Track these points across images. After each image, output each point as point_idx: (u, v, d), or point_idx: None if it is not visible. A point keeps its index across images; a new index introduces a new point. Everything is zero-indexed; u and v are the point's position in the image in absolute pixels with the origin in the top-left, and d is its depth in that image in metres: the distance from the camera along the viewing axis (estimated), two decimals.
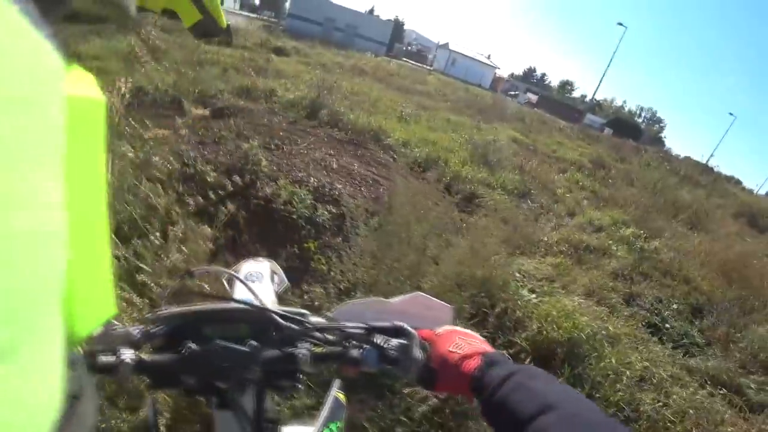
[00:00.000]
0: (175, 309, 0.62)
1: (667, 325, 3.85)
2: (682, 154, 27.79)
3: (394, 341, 0.59)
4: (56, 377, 0.17)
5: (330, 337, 0.64)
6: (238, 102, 5.41)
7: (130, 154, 2.28)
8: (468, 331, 0.64)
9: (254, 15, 38.33)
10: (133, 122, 3.20)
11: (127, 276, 1.36)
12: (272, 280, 1.02)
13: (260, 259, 1.10)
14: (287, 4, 34.04)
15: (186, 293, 1.37)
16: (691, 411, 2.66)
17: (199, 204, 2.03)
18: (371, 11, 47.83)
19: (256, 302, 0.72)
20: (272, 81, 7.42)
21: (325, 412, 0.68)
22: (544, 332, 2.58)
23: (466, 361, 0.55)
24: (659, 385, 2.84)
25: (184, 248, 1.50)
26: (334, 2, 32.74)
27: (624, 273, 4.46)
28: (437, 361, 0.58)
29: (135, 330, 0.59)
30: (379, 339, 0.60)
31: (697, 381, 3.17)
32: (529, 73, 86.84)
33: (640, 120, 67.49)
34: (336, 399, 0.72)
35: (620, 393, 2.47)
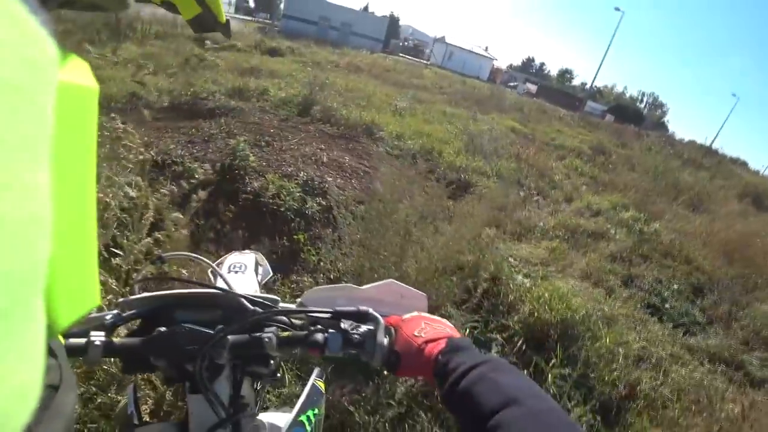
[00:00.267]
0: (147, 294, 0.63)
1: (667, 305, 3.81)
2: (686, 138, 27.51)
3: (363, 327, 0.60)
4: (35, 366, 0.16)
5: (297, 322, 0.65)
6: (229, 102, 5.42)
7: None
8: (435, 317, 0.64)
9: (249, 17, 38.39)
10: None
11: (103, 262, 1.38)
12: (256, 271, 1.02)
13: (246, 251, 1.11)
14: (282, 5, 34.02)
15: (162, 279, 1.39)
16: (690, 389, 2.64)
17: (182, 196, 2.04)
18: (366, 8, 47.63)
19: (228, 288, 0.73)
20: (266, 81, 7.44)
21: (303, 398, 0.68)
22: (536, 314, 2.57)
23: (430, 345, 0.55)
24: (658, 364, 2.82)
25: (159, 236, 1.51)
26: (329, 1, 32.70)
27: (623, 255, 4.42)
28: (401, 345, 0.58)
29: (107, 314, 0.61)
30: (345, 324, 0.61)
31: (697, 359, 3.14)
32: (528, 63, 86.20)
33: (641, 105, 66.79)
34: (315, 386, 0.72)
35: (616, 372, 2.45)
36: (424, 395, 1.92)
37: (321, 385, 0.77)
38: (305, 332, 0.61)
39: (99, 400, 1.44)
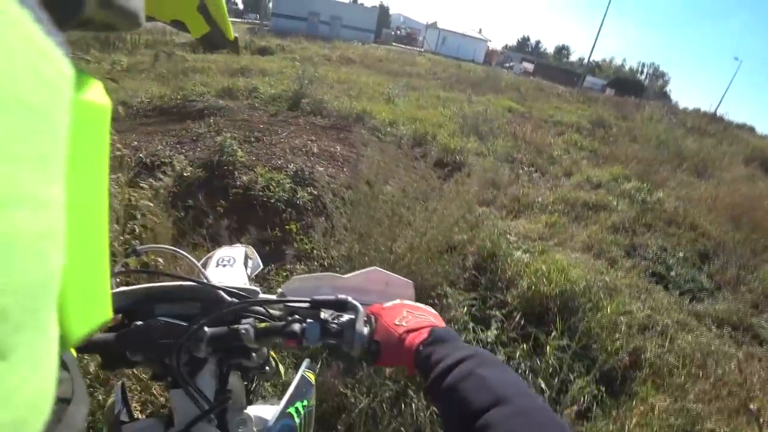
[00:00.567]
0: (124, 288, 0.62)
1: (673, 273, 3.75)
2: (691, 107, 26.95)
3: (343, 317, 0.58)
4: (48, 379, 0.17)
5: (277, 312, 0.64)
6: (218, 102, 5.39)
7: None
8: (419, 304, 0.62)
9: (239, 19, 38.23)
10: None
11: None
12: (246, 264, 1.01)
13: (236, 245, 1.10)
14: (270, 5, 33.78)
15: (138, 272, 1.37)
16: (697, 354, 2.60)
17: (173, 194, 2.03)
18: (355, 0, 47.14)
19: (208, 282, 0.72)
20: (255, 79, 7.40)
21: (291, 390, 0.67)
22: (533, 287, 2.53)
23: (411, 335, 0.53)
24: (663, 331, 2.77)
25: (135, 227, 1.50)
26: None
27: (625, 226, 4.35)
28: (381, 334, 0.56)
29: None
30: (325, 314, 0.59)
31: (705, 325, 3.09)
32: (524, 42, 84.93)
33: (642, 77, 65.62)
34: (304, 378, 0.71)
35: (619, 342, 2.41)
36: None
37: (311, 376, 0.75)
38: (283, 323, 0.59)
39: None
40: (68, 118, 0.17)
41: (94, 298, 0.25)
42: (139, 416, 1.48)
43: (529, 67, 42.34)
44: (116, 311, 0.61)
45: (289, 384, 0.67)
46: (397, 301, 0.62)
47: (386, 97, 8.09)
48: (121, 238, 1.42)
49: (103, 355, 0.60)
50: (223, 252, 1.02)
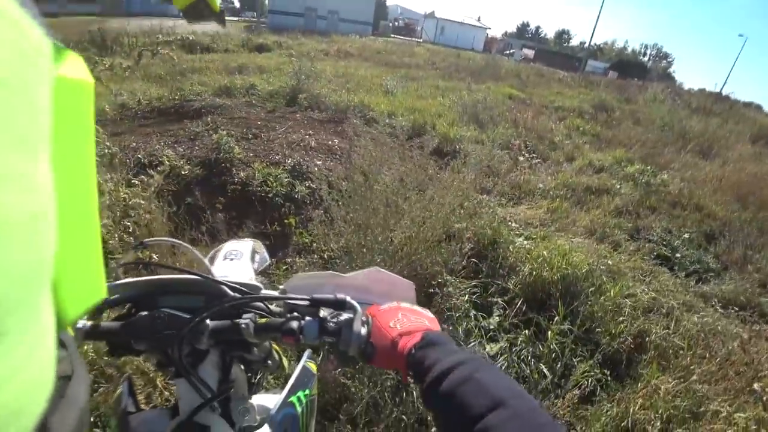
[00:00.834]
0: (131, 279, 0.64)
1: (678, 255, 3.70)
2: (696, 87, 26.55)
3: (342, 316, 0.59)
4: (47, 357, 0.17)
5: (277, 308, 0.65)
6: (215, 101, 5.38)
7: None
8: (416, 307, 0.62)
9: (236, 18, 38.09)
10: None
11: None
12: (253, 258, 1.01)
13: (245, 239, 1.11)
14: (267, 2, 33.60)
15: (145, 264, 1.39)
16: (702, 335, 2.57)
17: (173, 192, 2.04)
18: None
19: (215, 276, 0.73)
20: (252, 77, 7.38)
21: (293, 380, 0.68)
22: (534, 273, 2.51)
23: (404, 338, 0.54)
24: (668, 313, 2.74)
25: (128, 224, 1.51)
26: None
27: (629, 209, 4.30)
28: (375, 336, 0.57)
29: None
30: (324, 312, 0.61)
31: (711, 306, 3.05)
32: (523, 28, 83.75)
33: (645, 59, 64.56)
34: (306, 368, 0.72)
35: (623, 325, 2.40)
36: None
37: (312, 366, 0.76)
38: (282, 319, 0.60)
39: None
40: (49, 95, 0.17)
41: (87, 278, 0.25)
42: (145, 408, 1.51)
43: (530, 53, 41.84)
44: (122, 301, 0.64)
45: (291, 376, 0.68)
46: (394, 304, 0.62)
47: (384, 89, 8.04)
48: (116, 235, 1.43)
49: (109, 342, 0.62)
50: (231, 246, 1.02)
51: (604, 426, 1.81)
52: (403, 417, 1.66)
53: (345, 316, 0.59)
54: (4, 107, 0.14)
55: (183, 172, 2.94)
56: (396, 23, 49.28)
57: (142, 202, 1.60)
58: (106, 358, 1.38)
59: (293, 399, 0.68)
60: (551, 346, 2.06)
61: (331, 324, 0.58)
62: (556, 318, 2.22)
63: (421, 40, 37.51)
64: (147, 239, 0.75)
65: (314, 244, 2.58)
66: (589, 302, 2.47)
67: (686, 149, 7.00)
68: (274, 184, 2.87)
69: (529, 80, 14.12)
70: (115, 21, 15.54)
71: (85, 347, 1.37)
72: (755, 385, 1.62)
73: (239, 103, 5.47)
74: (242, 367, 0.72)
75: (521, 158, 5.25)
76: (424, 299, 2.24)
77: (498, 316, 2.36)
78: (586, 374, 2.03)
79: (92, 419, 1.37)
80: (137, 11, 26.20)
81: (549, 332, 2.11)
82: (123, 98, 5.12)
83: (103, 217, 1.46)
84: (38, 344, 0.16)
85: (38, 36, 0.16)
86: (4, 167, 0.14)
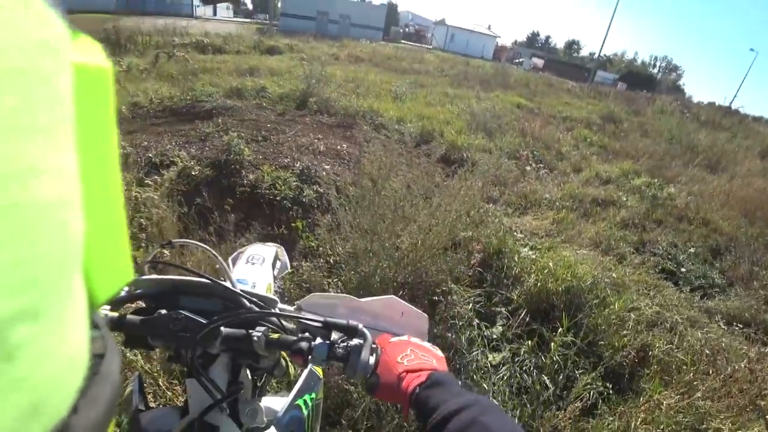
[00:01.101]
0: (155, 276, 0.67)
1: (683, 269, 3.69)
2: (705, 101, 26.41)
3: (351, 342, 0.60)
4: (81, 337, 0.18)
5: (290, 325, 0.67)
6: (226, 102, 5.45)
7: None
8: (426, 344, 0.62)
9: (248, 20, 38.48)
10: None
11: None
12: (274, 264, 1.04)
13: (269, 244, 1.12)
14: (279, 5, 33.93)
15: (170, 264, 1.41)
16: (706, 351, 2.56)
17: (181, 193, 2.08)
18: None
19: (241, 281, 0.76)
20: (264, 79, 7.46)
21: (300, 383, 0.69)
22: (539, 284, 2.52)
23: (410, 376, 0.54)
24: (672, 328, 2.73)
25: (142, 221, 1.54)
26: None
27: (635, 222, 4.29)
28: (382, 369, 0.57)
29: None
30: (334, 335, 0.62)
31: (715, 322, 3.04)
32: (533, 37, 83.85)
33: (654, 70, 64.35)
34: (312, 372, 0.73)
35: (626, 338, 2.39)
36: None
37: (318, 370, 0.77)
38: (294, 338, 0.62)
39: None
40: (70, 83, 0.17)
41: (115, 260, 0.26)
42: (153, 406, 1.53)
43: (539, 62, 41.87)
44: (144, 296, 0.66)
45: (296, 381, 0.70)
46: (405, 338, 0.62)
47: (394, 95, 8.09)
48: (128, 231, 1.47)
49: (127, 334, 0.64)
50: (254, 249, 1.05)
51: None
52: (404, 424, 1.67)
53: (355, 342, 0.60)
54: (27, 97, 0.14)
55: (193, 173, 2.99)
56: (406, 29, 49.57)
57: (156, 197, 1.63)
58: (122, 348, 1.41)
59: (300, 402, 0.69)
60: (554, 358, 2.06)
61: (340, 349, 0.59)
62: (560, 329, 2.22)
63: (431, 47, 37.66)
64: (175, 240, 0.78)
65: (320, 248, 2.60)
66: (593, 314, 2.48)
67: (694, 163, 6.97)
68: (283, 187, 2.90)
69: (537, 89, 14.12)
70: (129, 19, 15.73)
71: None
72: (762, 402, 1.61)
73: (250, 105, 5.53)
74: (248, 371, 0.73)
75: (528, 168, 5.26)
76: (428, 307, 2.26)
77: (501, 325, 2.37)
78: (588, 387, 2.03)
79: None
80: (151, 10, 26.60)
81: (552, 343, 2.12)
82: (138, 98, 5.19)
83: None
84: (72, 325, 0.17)
85: (56, 22, 0.16)
86: (32, 157, 0.14)
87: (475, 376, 1.99)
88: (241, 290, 0.66)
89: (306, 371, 0.73)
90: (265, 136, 4.11)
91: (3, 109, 0.13)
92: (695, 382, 2.21)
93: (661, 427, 1.86)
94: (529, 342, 2.20)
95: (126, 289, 0.66)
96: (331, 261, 2.52)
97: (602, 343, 2.36)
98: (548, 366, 2.08)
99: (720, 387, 2.22)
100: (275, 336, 0.63)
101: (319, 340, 0.60)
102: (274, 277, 0.99)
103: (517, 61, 42.85)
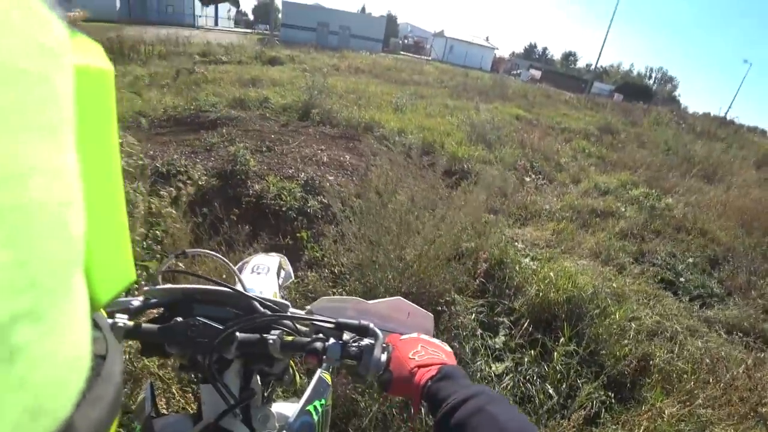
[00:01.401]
0: (170, 285, 0.69)
1: (682, 279, 3.73)
2: (701, 111, 26.74)
3: (363, 341, 0.62)
4: (83, 338, 0.17)
5: (303, 328, 0.69)
6: (230, 113, 5.52)
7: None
8: (435, 340, 0.65)
9: (250, 30, 38.91)
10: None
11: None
12: (278, 274, 1.06)
13: (272, 254, 1.15)
14: (280, 15, 34.37)
15: (184, 273, 1.45)
16: (706, 360, 2.59)
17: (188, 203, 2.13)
18: (363, 10, 47.74)
19: (248, 289, 0.78)
20: (266, 90, 7.55)
21: (310, 390, 0.72)
22: (541, 294, 2.56)
23: (421, 370, 0.57)
24: (672, 337, 2.77)
25: (158, 233, 1.58)
26: (326, 7, 32.92)
27: (633, 232, 4.35)
28: (394, 365, 0.59)
29: (133, 300, 0.67)
30: (347, 336, 0.64)
31: (715, 331, 3.07)
32: (531, 49, 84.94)
33: (650, 81, 65.17)
34: (322, 378, 0.76)
35: (627, 347, 2.43)
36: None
37: (327, 377, 0.80)
38: (308, 339, 0.64)
39: None
40: (72, 84, 0.17)
41: (117, 262, 0.26)
42: (165, 413, 1.55)
43: (537, 74, 42.38)
44: (160, 305, 0.68)
45: (302, 391, 0.72)
46: (414, 335, 0.65)
47: (394, 106, 8.19)
48: (144, 243, 1.50)
49: (143, 342, 0.66)
50: (258, 260, 1.08)
51: None
52: None
53: (366, 341, 0.61)
54: (28, 98, 0.14)
55: (200, 183, 3.04)
56: (406, 41, 50.17)
57: (174, 212, 1.68)
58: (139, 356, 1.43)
59: (310, 408, 0.71)
60: (557, 367, 2.09)
61: (353, 348, 0.61)
62: (562, 339, 2.25)
63: (430, 59, 38.09)
64: (189, 249, 0.81)
65: (325, 259, 2.64)
66: (594, 324, 2.51)
67: (691, 173, 7.06)
68: (288, 197, 2.95)
69: (536, 101, 14.29)
70: (132, 29, 15.90)
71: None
72: (762, 410, 1.64)
73: (253, 115, 5.60)
74: (258, 378, 0.75)
75: (527, 179, 5.34)
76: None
77: (504, 335, 2.40)
78: (590, 396, 2.06)
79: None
80: (154, 20, 26.93)
81: (554, 353, 2.15)
82: (142, 107, 5.25)
83: (137, 226, 1.53)
84: (74, 326, 0.17)
85: (56, 25, 0.16)
86: (32, 157, 0.14)
87: None
88: (255, 296, 0.69)
89: (315, 378, 0.75)
90: (269, 147, 4.17)
91: (3, 110, 0.13)
92: (696, 391, 2.24)
93: None
94: (532, 351, 2.23)
95: (141, 298, 0.68)
96: (336, 271, 2.55)
97: (604, 352, 2.39)
98: (551, 375, 2.10)
99: (720, 395, 2.25)
100: (289, 338, 0.64)
101: (332, 341, 0.62)
102: (279, 286, 1.02)
103: (514, 72, 43.36)
